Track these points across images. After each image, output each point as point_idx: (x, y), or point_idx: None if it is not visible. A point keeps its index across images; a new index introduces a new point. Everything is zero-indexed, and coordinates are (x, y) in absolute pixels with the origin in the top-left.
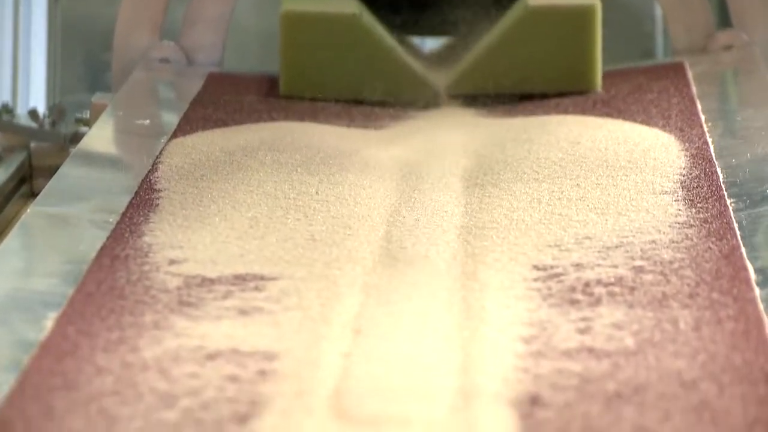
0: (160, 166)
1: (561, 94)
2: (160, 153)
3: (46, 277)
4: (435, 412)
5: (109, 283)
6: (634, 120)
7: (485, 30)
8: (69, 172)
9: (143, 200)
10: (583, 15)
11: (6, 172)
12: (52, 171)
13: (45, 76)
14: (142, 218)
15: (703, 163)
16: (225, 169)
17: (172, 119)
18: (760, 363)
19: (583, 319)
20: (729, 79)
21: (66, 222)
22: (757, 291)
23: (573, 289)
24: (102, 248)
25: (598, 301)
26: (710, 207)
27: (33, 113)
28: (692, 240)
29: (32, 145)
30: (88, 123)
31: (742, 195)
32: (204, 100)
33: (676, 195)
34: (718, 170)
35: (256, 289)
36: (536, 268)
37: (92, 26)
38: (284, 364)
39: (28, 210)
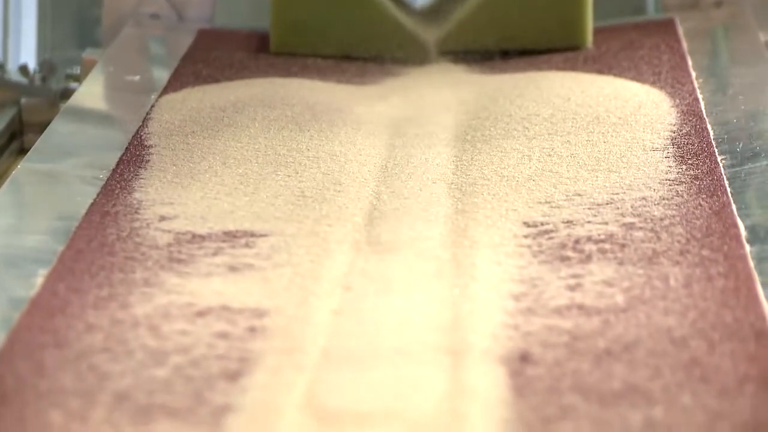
0: (151, 122)
1: (552, 51)
2: (151, 109)
3: (36, 234)
4: (424, 372)
5: (99, 240)
6: (625, 76)
7: None
8: (59, 128)
9: (133, 156)
10: None
11: None
12: (42, 127)
13: (36, 31)
14: (132, 174)
15: (694, 120)
16: (215, 125)
17: (162, 75)
18: (750, 320)
19: (574, 276)
20: (719, 36)
21: (56, 178)
22: (747, 248)
23: (563, 246)
24: (92, 205)
25: (588, 258)
26: (701, 164)
27: (23, 69)
28: (683, 197)
29: (23, 101)
30: (79, 79)
31: (732, 151)
32: (194, 57)
33: (666, 152)
34: (709, 127)
35: (247, 245)
36: (526, 224)
37: None
38: (274, 321)
39: (18, 166)
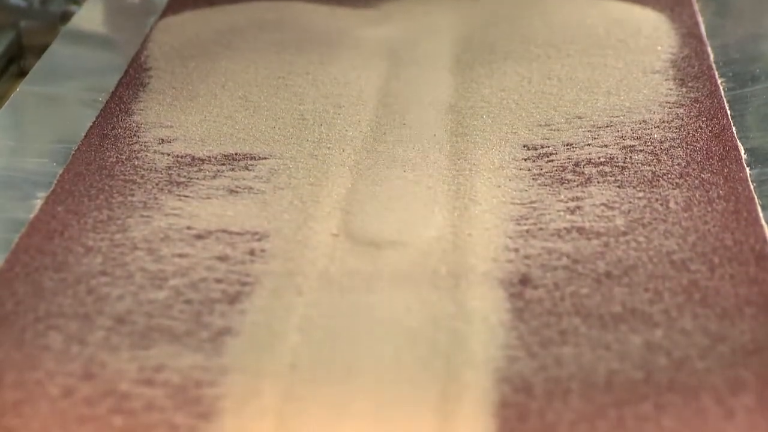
0: (150, 45)
1: None
2: (150, 32)
3: (35, 157)
4: (424, 295)
5: (99, 163)
6: None
7: None
8: (59, 51)
9: (133, 79)
10: None
11: None
12: (41, 50)
13: None
14: (131, 97)
15: (694, 43)
16: (215, 48)
17: None
18: (751, 243)
19: (574, 198)
20: None
21: (55, 101)
22: (747, 170)
23: (563, 169)
24: (91, 127)
25: (588, 181)
26: (701, 86)
27: None
28: (683, 119)
29: (22, 23)
30: (78, 2)
31: (732, 74)
32: None
33: (666, 74)
34: (709, 49)
35: (246, 168)
36: (526, 147)
37: None
38: (273, 244)
39: (18, 89)
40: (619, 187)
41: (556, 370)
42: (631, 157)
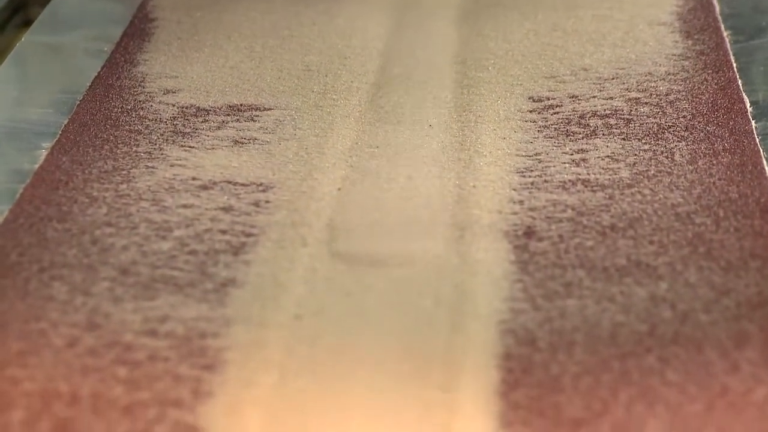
0: None
1: None
2: None
3: (40, 107)
4: (429, 246)
5: (104, 113)
6: None
7: None
8: (64, 1)
9: (138, 29)
10: None
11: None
12: None
13: None
14: (136, 48)
15: None
16: None
17: None
18: (756, 196)
19: (579, 151)
20: None
21: (60, 51)
22: (753, 123)
23: (569, 121)
24: (96, 78)
25: (593, 133)
26: (707, 39)
27: None
28: (688, 72)
29: None
30: None
31: (738, 27)
32: None
33: (672, 27)
34: (715, 2)
35: (251, 119)
36: (532, 99)
37: None
38: (278, 195)
39: (22, 39)
40: (624, 139)
41: (561, 322)
42: (636, 109)
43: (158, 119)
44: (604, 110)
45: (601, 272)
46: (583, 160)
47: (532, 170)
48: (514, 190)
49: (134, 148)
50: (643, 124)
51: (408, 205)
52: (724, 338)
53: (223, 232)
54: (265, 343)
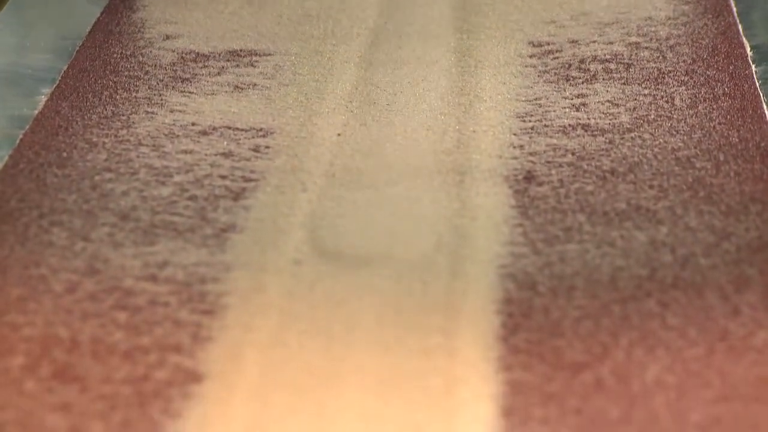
0: None
1: None
2: None
3: (39, 53)
4: (429, 191)
5: (103, 59)
6: None
7: None
8: None
9: None
10: None
11: None
12: None
13: None
14: None
15: None
16: None
17: None
18: (756, 140)
19: (579, 95)
20: None
21: None
22: (753, 68)
23: (569, 66)
24: (96, 23)
25: (593, 78)
26: None
27: None
28: (688, 16)
29: None
30: None
31: None
32: None
33: None
34: None
35: (251, 64)
36: (532, 44)
37: None
38: (278, 140)
39: None
40: (624, 84)
41: (561, 266)
42: (636, 54)
43: (158, 65)
44: (604, 55)
45: (601, 217)
46: (583, 104)
47: (532, 115)
48: (514, 134)
49: (134, 94)
50: (643, 68)
51: (408, 151)
52: (725, 282)
53: (223, 177)
54: (264, 288)
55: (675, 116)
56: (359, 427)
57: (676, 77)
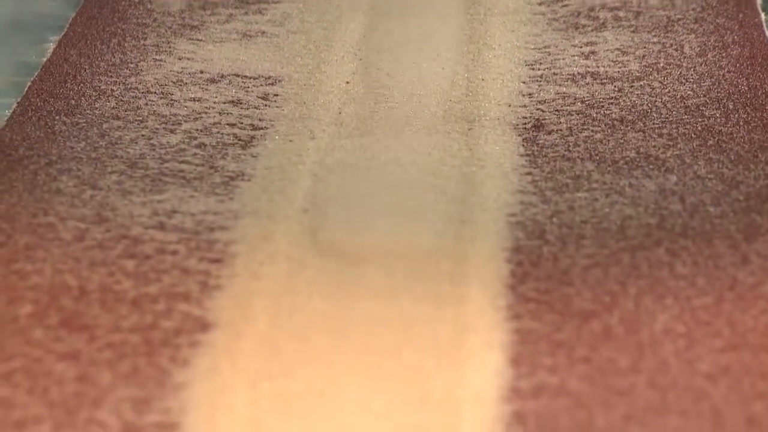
0: None
1: None
2: None
3: (47, 0)
4: (438, 139)
5: (111, 6)
6: None
7: None
8: None
9: None
10: None
11: None
12: None
13: None
14: None
15: None
16: None
17: None
18: (765, 88)
19: (588, 43)
20: None
21: None
22: (762, 16)
23: (578, 14)
24: None
25: (602, 26)
26: None
27: None
28: None
29: None
30: None
31: None
32: None
33: None
34: None
35: (259, 12)
36: None
37: None
38: (287, 88)
39: None
40: (633, 32)
41: (570, 215)
42: (646, 1)
43: (166, 12)
44: (614, 3)
45: (611, 165)
46: (593, 52)
47: (541, 63)
48: (523, 82)
49: (142, 42)
50: (652, 16)
51: (417, 98)
52: (734, 231)
53: (232, 125)
54: (273, 236)
55: (684, 64)
56: (368, 375)
57: (686, 25)
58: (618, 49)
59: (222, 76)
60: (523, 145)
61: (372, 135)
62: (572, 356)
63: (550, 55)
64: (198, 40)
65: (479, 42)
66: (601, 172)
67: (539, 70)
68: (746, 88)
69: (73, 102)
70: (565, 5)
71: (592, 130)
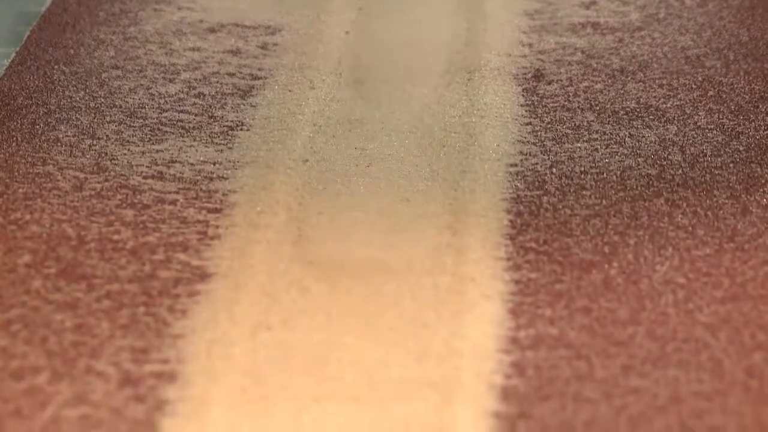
0: None
1: None
2: None
3: None
4: (438, 89)
5: None
6: None
7: None
8: None
9: None
10: None
11: None
12: None
13: None
14: None
15: None
16: None
17: None
18: (766, 39)
19: None
20: None
21: None
22: None
23: None
24: None
25: None
26: None
27: None
28: None
29: None
30: None
31: None
32: None
33: None
34: None
35: None
36: None
37: None
38: (286, 38)
39: None
40: None
41: (570, 165)
42: None
43: None
44: None
45: (611, 115)
46: (593, 2)
47: (541, 13)
48: (524, 32)
49: None
50: None
51: (417, 48)
52: (734, 181)
53: (231, 75)
54: (272, 185)
55: (685, 15)
56: (366, 323)
57: None
58: None
59: (221, 26)
60: (523, 95)
61: (371, 85)
62: (572, 307)
63: (550, 5)
64: None
65: None
66: (601, 123)
67: (539, 20)
68: (747, 39)
69: (72, 51)
70: None
71: (592, 81)
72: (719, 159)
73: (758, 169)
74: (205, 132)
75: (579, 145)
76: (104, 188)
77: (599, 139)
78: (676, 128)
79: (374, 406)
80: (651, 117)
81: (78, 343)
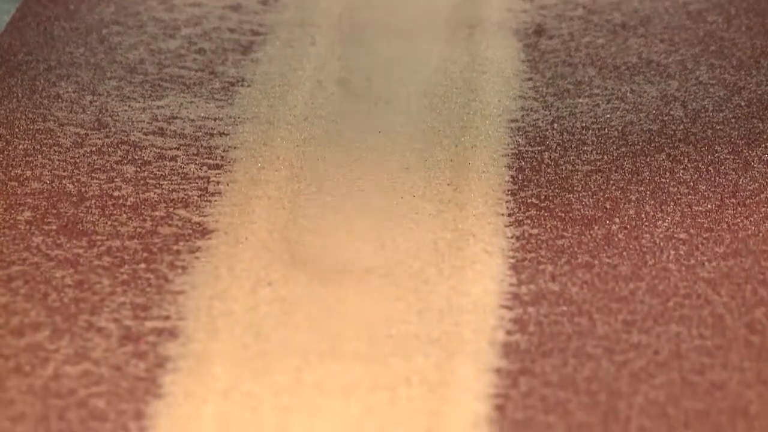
0: None
1: None
2: None
3: None
4: (438, 45)
5: None
6: None
7: None
8: None
9: None
10: None
11: None
12: None
13: None
14: None
15: None
16: None
17: None
18: None
19: None
20: None
21: None
22: None
23: None
24: None
25: None
26: None
27: None
28: None
29: None
30: None
31: None
32: None
33: None
34: None
35: None
36: None
37: None
38: None
39: None
40: None
41: (571, 121)
42: None
43: None
44: None
45: (612, 71)
46: None
47: None
48: None
49: None
50: None
51: (418, 3)
52: (736, 137)
53: (231, 30)
54: (273, 141)
55: None
56: (368, 279)
57: None
58: None
59: None
60: (524, 51)
61: (372, 41)
62: (573, 263)
63: None
64: None
65: None
66: (602, 78)
67: None
68: None
69: (72, 7)
70: None
71: (594, 36)
72: (721, 114)
73: (760, 125)
74: (205, 88)
75: (580, 100)
76: (105, 144)
77: (600, 94)
78: (677, 83)
79: (375, 362)
80: (652, 72)
81: (78, 299)
